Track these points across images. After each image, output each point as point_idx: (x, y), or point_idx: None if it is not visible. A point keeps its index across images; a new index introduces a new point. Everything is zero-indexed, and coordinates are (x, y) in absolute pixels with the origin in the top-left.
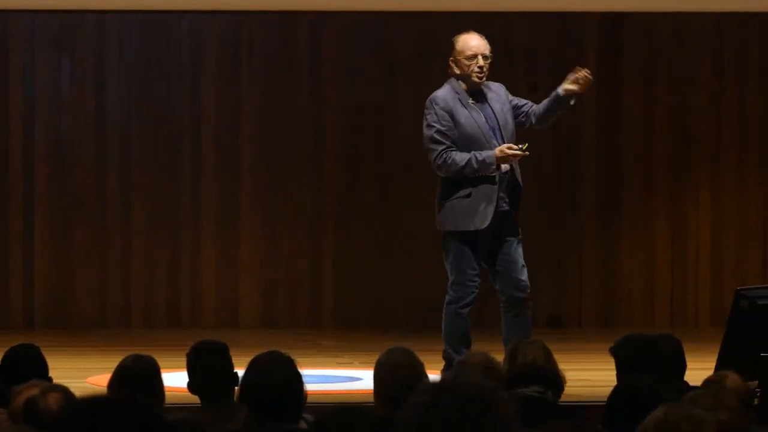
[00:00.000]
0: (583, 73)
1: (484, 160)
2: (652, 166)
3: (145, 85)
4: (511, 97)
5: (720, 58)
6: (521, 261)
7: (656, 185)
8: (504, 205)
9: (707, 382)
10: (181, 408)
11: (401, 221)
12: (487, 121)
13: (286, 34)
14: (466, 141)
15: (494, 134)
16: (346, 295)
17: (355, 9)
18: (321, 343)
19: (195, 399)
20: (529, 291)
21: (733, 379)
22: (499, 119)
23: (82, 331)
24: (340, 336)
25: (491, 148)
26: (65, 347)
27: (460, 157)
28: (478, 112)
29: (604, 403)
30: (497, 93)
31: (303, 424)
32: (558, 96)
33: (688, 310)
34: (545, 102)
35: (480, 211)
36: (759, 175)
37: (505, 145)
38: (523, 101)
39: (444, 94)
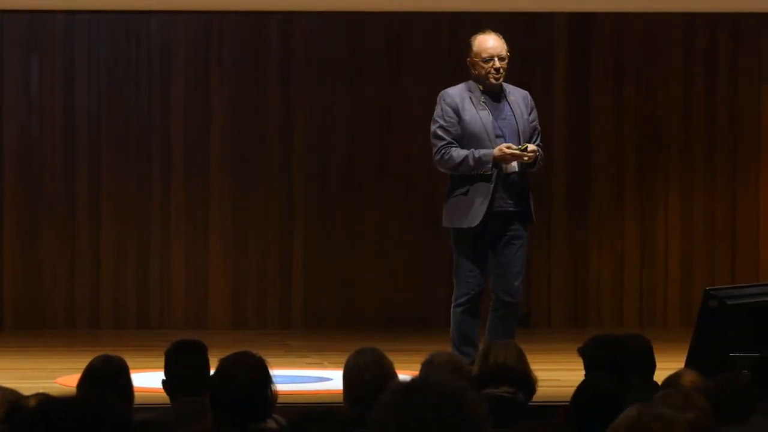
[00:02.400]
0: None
1: (480, 158)
2: (621, 166)
3: (115, 85)
4: (533, 115)
5: (689, 58)
6: (518, 266)
7: (625, 185)
8: (504, 205)
9: (667, 381)
10: (151, 408)
11: (370, 221)
12: (495, 121)
13: (256, 34)
14: (468, 139)
15: (503, 137)
16: (315, 295)
17: (324, 9)
18: (290, 343)
19: (165, 399)
20: (518, 297)
21: (691, 377)
22: (519, 124)
23: (51, 331)
24: (309, 336)
25: (493, 148)
26: (34, 348)
27: (458, 154)
28: (488, 112)
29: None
30: (518, 100)
31: (273, 424)
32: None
33: (657, 309)
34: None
35: (474, 209)
36: (727, 175)
37: (504, 144)
38: (536, 129)
39: (455, 90)
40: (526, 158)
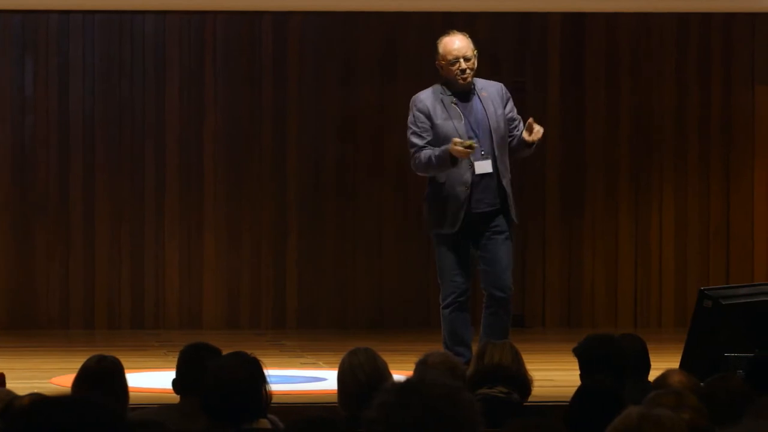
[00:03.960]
0: (535, 126)
1: (440, 156)
2: (616, 166)
3: (109, 84)
4: (509, 106)
5: (683, 58)
6: (505, 260)
7: (619, 185)
8: (482, 206)
9: (655, 382)
10: (145, 408)
11: (364, 222)
12: (468, 123)
13: (250, 33)
14: (442, 142)
15: (478, 136)
16: (309, 295)
17: (318, 9)
18: (285, 343)
19: (159, 399)
20: (510, 292)
21: (679, 377)
22: (491, 121)
23: (46, 331)
24: (303, 336)
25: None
26: (29, 348)
27: (425, 156)
28: (459, 113)
29: (567, 404)
30: (492, 95)
31: (267, 424)
32: (523, 139)
33: (651, 310)
34: (518, 138)
35: (451, 214)
36: (721, 175)
37: (457, 139)
38: (515, 119)
39: (426, 94)
40: (471, 150)
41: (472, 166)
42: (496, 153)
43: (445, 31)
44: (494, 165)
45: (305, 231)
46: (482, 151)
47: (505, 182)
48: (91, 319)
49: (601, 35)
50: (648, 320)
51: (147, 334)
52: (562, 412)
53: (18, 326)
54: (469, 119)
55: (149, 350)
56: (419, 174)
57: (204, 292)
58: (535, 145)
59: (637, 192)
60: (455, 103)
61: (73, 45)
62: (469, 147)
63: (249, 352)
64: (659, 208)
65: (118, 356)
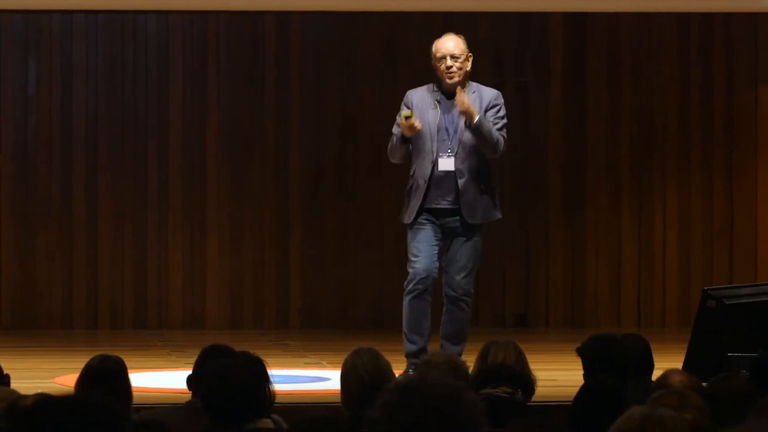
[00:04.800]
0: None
1: (394, 136)
2: (618, 166)
3: (111, 84)
4: (491, 112)
5: (685, 58)
6: (462, 262)
7: (622, 185)
8: (439, 201)
9: (656, 383)
10: (149, 408)
11: (366, 221)
12: (443, 117)
13: (252, 33)
14: (417, 136)
15: (448, 135)
16: (312, 295)
17: (321, 9)
18: (288, 343)
19: (161, 399)
20: (461, 291)
21: (679, 378)
22: (460, 123)
23: (49, 331)
24: (307, 336)
25: (436, 148)
26: (32, 348)
27: (390, 141)
28: (438, 112)
29: (570, 404)
30: (480, 98)
31: (270, 424)
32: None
33: (654, 310)
34: None
35: (411, 206)
36: (724, 175)
37: (402, 111)
38: (495, 124)
39: (417, 90)
40: (409, 122)
41: (434, 162)
42: (459, 152)
43: (446, 31)
44: (455, 163)
45: (308, 230)
46: (449, 149)
47: (462, 182)
48: (94, 319)
49: (602, 35)
50: (651, 320)
51: (150, 334)
52: (566, 412)
53: (21, 326)
54: (444, 114)
55: (152, 350)
56: (392, 160)
57: (207, 292)
58: (479, 130)
59: (640, 192)
60: (438, 100)
61: (76, 45)
62: (407, 117)
63: (252, 351)
64: (662, 207)
65: (121, 356)
